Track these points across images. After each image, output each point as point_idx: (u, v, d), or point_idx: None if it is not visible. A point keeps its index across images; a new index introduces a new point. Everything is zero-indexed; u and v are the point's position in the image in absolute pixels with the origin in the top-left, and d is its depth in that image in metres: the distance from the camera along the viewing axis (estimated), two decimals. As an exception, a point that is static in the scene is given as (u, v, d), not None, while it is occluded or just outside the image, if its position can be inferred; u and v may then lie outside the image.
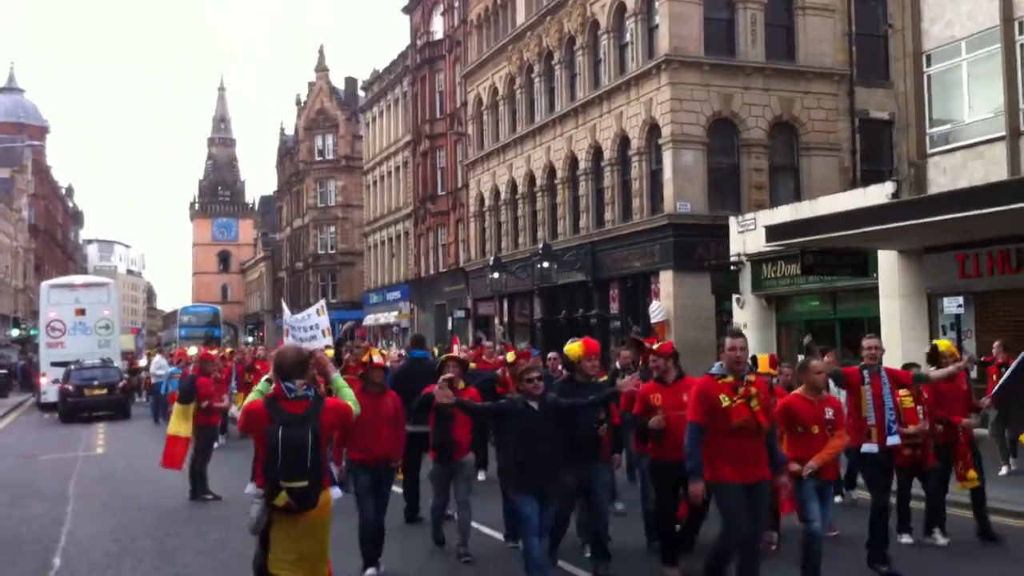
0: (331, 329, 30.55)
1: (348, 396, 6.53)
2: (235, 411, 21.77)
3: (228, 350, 26.66)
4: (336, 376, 6.67)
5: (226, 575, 9.81)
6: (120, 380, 32.54)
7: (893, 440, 9.23)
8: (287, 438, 5.95)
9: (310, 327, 29.91)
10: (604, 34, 31.40)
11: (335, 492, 6.64)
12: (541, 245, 32.09)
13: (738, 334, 7.80)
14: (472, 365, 12.91)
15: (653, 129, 28.68)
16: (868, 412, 9.22)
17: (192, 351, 25.25)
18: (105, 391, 31.29)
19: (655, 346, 9.76)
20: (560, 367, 12.00)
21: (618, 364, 13.88)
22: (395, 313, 53.00)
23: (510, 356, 11.92)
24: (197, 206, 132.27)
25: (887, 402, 9.26)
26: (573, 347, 9.47)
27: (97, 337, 36.98)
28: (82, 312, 37.35)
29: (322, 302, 33.80)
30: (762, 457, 7.54)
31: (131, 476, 17.34)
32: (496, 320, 39.32)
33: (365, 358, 9.76)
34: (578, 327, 30.99)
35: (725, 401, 7.39)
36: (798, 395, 8.40)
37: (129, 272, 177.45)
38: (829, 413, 8.33)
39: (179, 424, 14.53)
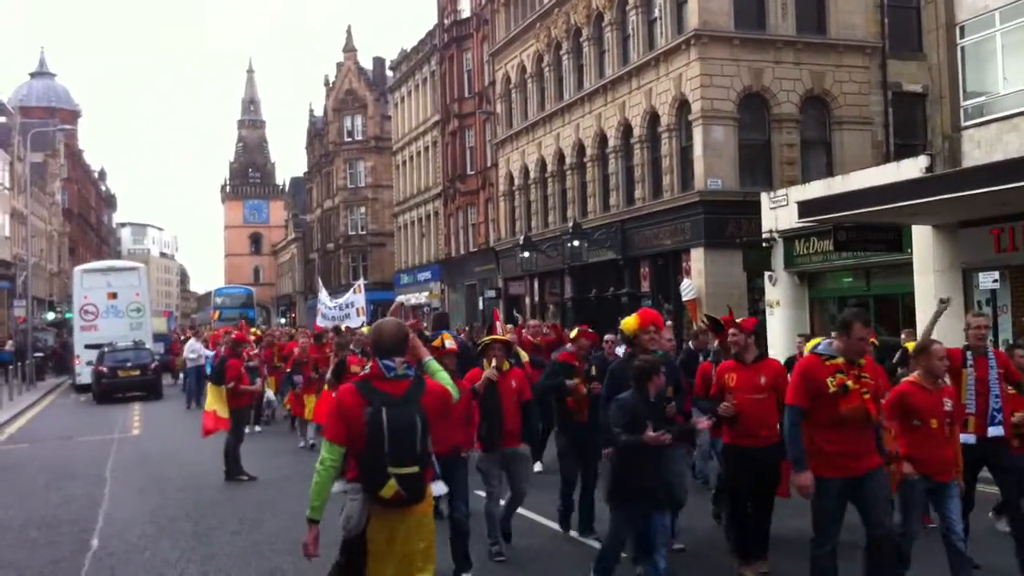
0: (365, 308, 30.65)
1: (445, 380, 5.85)
2: (270, 395, 21.71)
3: (256, 332, 26.09)
4: (430, 359, 5.98)
5: (261, 555, 9.86)
6: (152, 361, 33.63)
7: (996, 431, 8.30)
8: (393, 419, 5.30)
9: (345, 305, 30.08)
10: (632, 9, 31.17)
11: (437, 488, 6.17)
12: (571, 224, 32.00)
13: (979, 314, 6.92)
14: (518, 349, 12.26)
15: (683, 105, 28.48)
16: (968, 399, 8.33)
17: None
18: (138, 372, 32.59)
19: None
20: (615, 350, 11.26)
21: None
22: (426, 293, 53.11)
23: (573, 333, 11.18)
24: (228, 188, 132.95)
25: (993, 388, 8.36)
26: (629, 320, 8.77)
27: (129, 320, 37.93)
28: (114, 296, 38.31)
29: (360, 281, 33.96)
30: (870, 448, 6.75)
31: (167, 458, 17.50)
32: (527, 299, 39.30)
33: (437, 343, 8.82)
34: (608, 306, 30.95)
35: (832, 386, 6.59)
36: (913, 383, 7.39)
37: (162, 255, 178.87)
38: (948, 404, 7.43)
39: (215, 403, 14.69)
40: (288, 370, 19.54)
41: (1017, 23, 18.29)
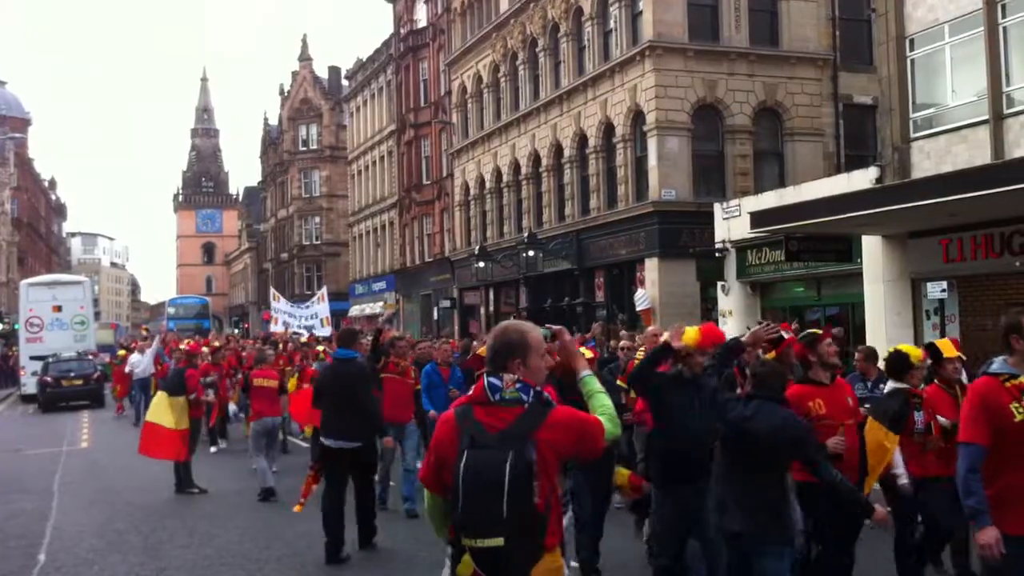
0: (329, 318, 30.35)
1: (604, 407, 4.29)
2: (233, 408, 19.88)
3: (217, 342, 24.79)
4: (588, 375, 4.45)
5: (212, 569, 9.75)
6: (95, 371, 34.77)
7: None
8: (472, 466, 3.93)
9: (310, 316, 29.83)
10: (588, 20, 31.32)
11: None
12: (527, 234, 32.05)
13: None
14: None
15: (638, 116, 28.64)
16: None
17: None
18: (81, 382, 33.90)
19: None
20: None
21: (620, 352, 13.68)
22: (381, 303, 52.92)
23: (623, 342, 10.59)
24: (181, 198, 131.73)
25: None
26: (690, 333, 7.29)
27: (73, 332, 39.30)
28: (59, 309, 39.75)
29: (323, 290, 33.77)
30: None
31: (117, 471, 17.26)
32: (482, 309, 39.27)
33: (483, 351, 7.22)
34: (564, 316, 31.01)
35: (1019, 413, 5.20)
36: None
37: (113, 265, 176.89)
38: None
39: (162, 413, 14.21)
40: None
41: (966, 36, 18.58)
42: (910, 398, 7.90)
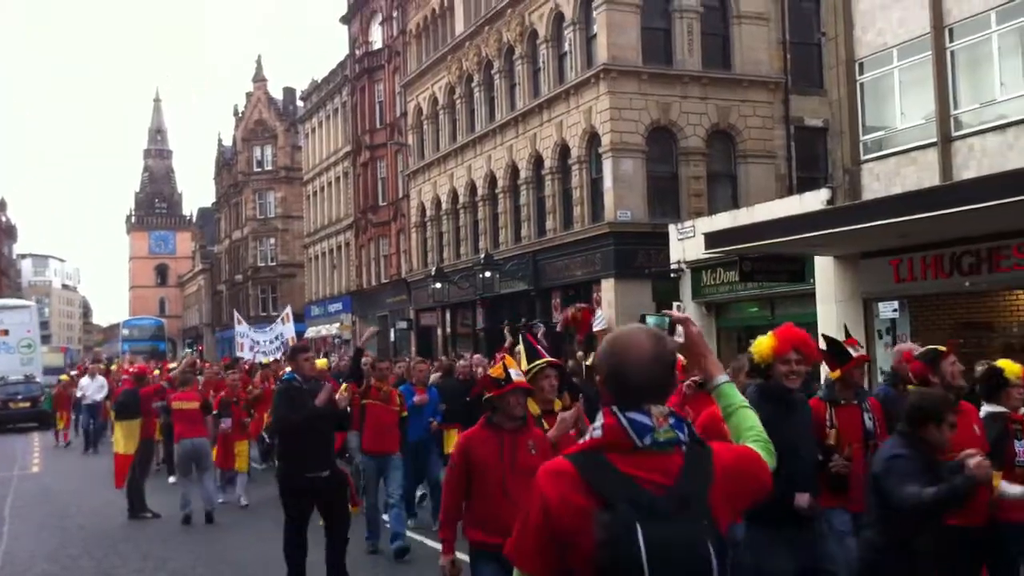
0: (295, 339, 29.94)
1: (754, 432, 3.27)
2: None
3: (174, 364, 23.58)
4: (726, 382, 3.37)
5: (167, 593, 9.65)
6: (41, 394, 35.29)
7: None
8: (658, 550, 2.67)
9: (274, 338, 29.37)
10: (543, 43, 31.52)
11: None
12: (483, 255, 32.08)
13: None
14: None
15: (593, 138, 28.82)
16: None
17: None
18: (28, 404, 34.68)
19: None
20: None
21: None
22: (337, 325, 52.68)
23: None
24: (134, 219, 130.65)
25: None
26: (763, 343, 6.17)
27: (20, 355, 40.21)
28: (5, 332, 40.74)
29: (287, 310, 33.36)
30: None
31: (69, 495, 17.04)
32: (439, 330, 39.22)
33: (497, 372, 6.00)
34: (520, 337, 31.00)
35: None
36: None
37: (64, 287, 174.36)
38: None
39: (128, 443, 14.07)
40: (215, 412, 15.52)
41: (914, 60, 18.91)
42: (1009, 424, 6.52)
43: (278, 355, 25.92)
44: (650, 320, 3.33)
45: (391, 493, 11.26)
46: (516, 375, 5.89)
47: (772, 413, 5.08)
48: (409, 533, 11.57)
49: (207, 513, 13.34)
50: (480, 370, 15.00)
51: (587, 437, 2.88)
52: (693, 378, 6.72)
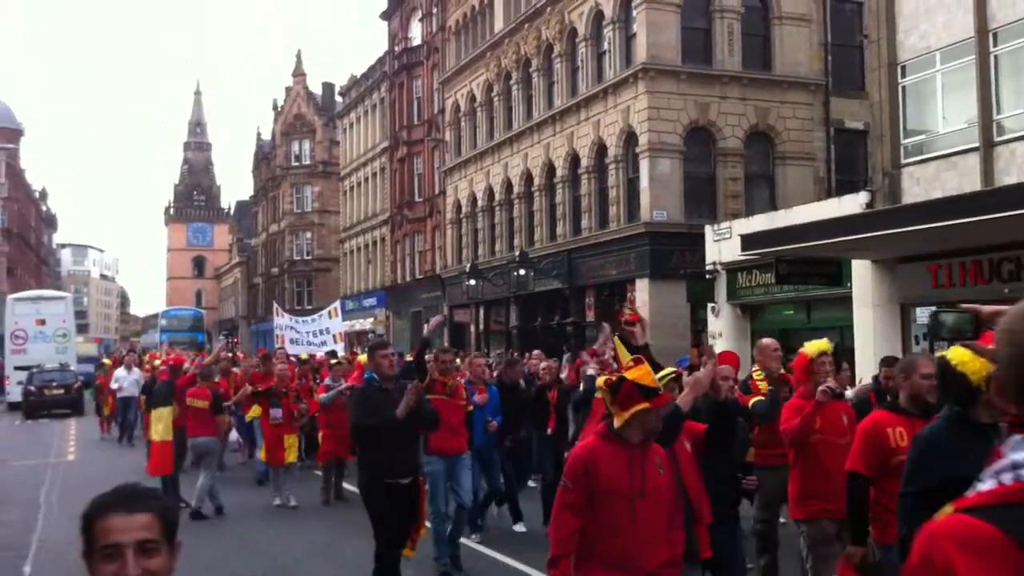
0: (343, 334, 29.52)
1: None
2: (235, 436, 18.87)
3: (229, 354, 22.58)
4: None
5: (199, 583, 9.72)
6: (75, 381, 37.01)
7: None
8: None
9: (320, 331, 29.01)
10: (582, 42, 31.47)
11: None
12: (518, 252, 32.07)
13: None
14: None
15: (630, 137, 28.75)
16: None
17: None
18: (62, 391, 36.14)
19: None
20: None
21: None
22: (371, 320, 52.87)
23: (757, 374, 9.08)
24: (172, 211, 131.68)
25: None
26: (979, 362, 4.28)
27: (56, 344, 41.82)
28: (42, 322, 42.45)
29: (336, 304, 33.13)
30: None
31: (104, 482, 16.89)
32: (472, 327, 39.23)
33: (649, 378, 5.00)
34: (554, 335, 31.04)
35: None
36: None
37: (103, 277, 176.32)
38: None
39: (162, 430, 14.09)
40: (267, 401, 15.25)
41: (957, 64, 18.72)
42: None
43: (322, 350, 25.47)
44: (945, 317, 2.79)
45: (462, 497, 10.23)
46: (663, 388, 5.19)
47: (970, 450, 3.77)
48: (471, 544, 11.10)
49: (194, 510, 13.19)
50: (543, 367, 13.74)
51: (996, 481, 1.74)
52: (828, 384, 6.79)
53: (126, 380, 24.05)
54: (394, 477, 8.22)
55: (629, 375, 4.90)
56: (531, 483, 14.25)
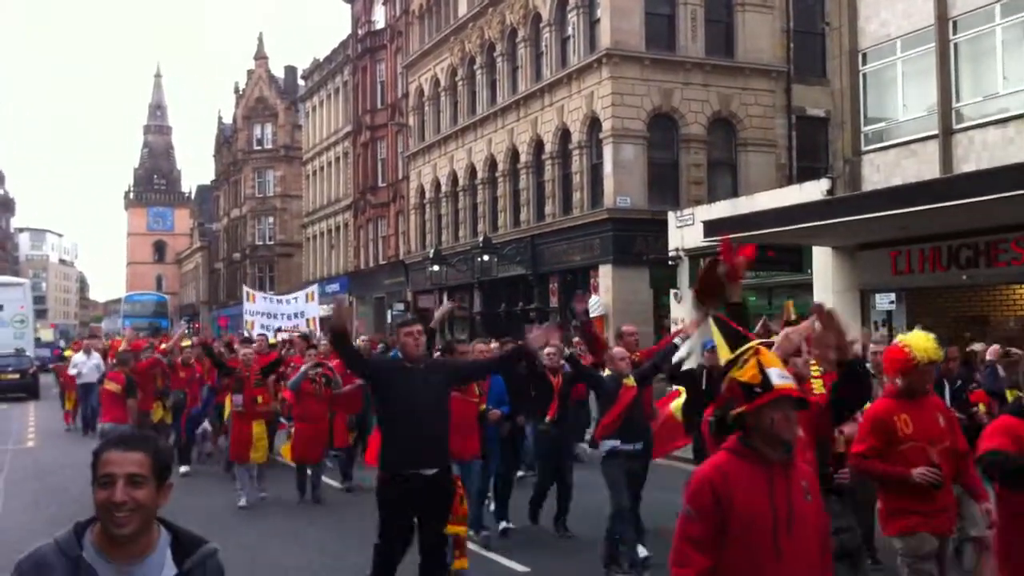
0: (316, 319, 28.93)
1: None
2: (206, 425, 17.26)
3: (187, 341, 20.30)
4: None
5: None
6: (31, 366, 37.72)
7: None
8: None
9: (296, 313, 28.50)
10: (546, 27, 31.44)
11: None
12: (481, 238, 32.08)
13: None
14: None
15: (594, 123, 28.78)
16: None
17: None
18: (18, 376, 36.59)
19: None
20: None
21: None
22: (334, 305, 52.62)
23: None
24: (132, 195, 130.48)
25: None
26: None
27: (13, 330, 42.19)
28: (0, 308, 42.87)
29: (314, 287, 32.68)
30: None
31: (64, 468, 17.02)
32: (472, 311, 39.08)
33: (750, 373, 3.93)
34: (517, 320, 31.07)
35: None
36: None
37: (61, 261, 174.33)
38: None
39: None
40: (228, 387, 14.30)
41: (917, 51, 18.90)
42: None
43: (291, 335, 24.69)
44: None
45: (468, 507, 9.30)
46: (780, 377, 3.86)
47: None
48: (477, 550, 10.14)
49: None
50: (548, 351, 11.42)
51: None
52: (926, 473, 5.91)
53: (85, 365, 22.96)
54: (414, 466, 7.10)
55: (735, 373, 3.93)
56: (520, 472, 13.62)
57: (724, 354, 4.12)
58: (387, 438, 7.34)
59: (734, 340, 4.13)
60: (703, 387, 9.52)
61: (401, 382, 7.25)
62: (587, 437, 14.06)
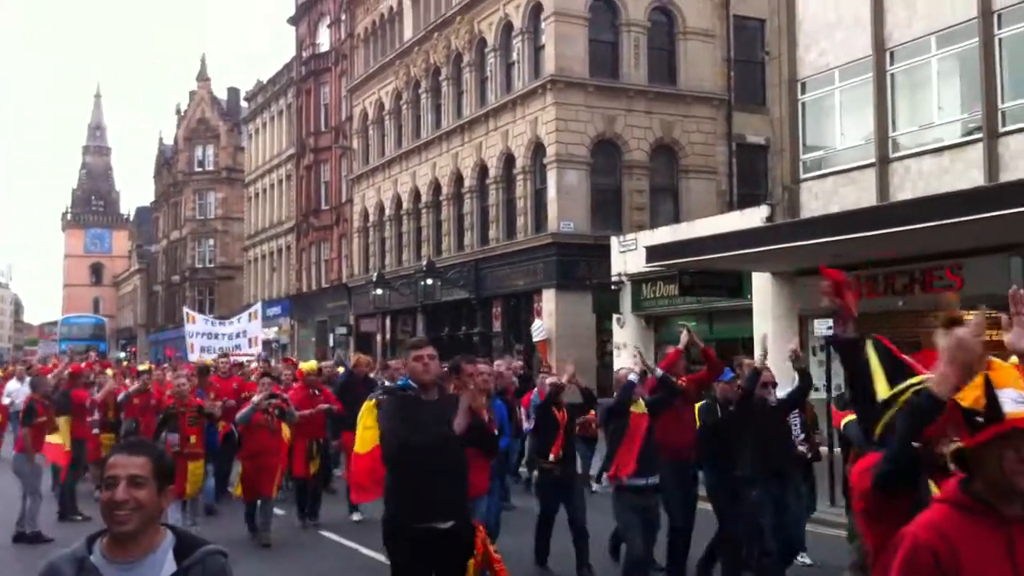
0: (259, 338, 28.38)
1: None
2: None
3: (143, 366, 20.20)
4: None
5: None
6: None
7: None
8: None
9: (238, 333, 27.96)
10: (491, 52, 31.59)
11: None
12: (425, 262, 32.04)
13: None
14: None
15: (538, 148, 28.93)
16: None
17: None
18: None
19: None
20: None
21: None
22: (275, 329, 52.20)
23: None
24: (69, 216, 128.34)
25: None
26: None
27: None
28: None
29: (257, 306, 31.90)
30: None
31: (-5, 495, 16.65)
32: (379, 336, 39.02)
33: (973, 396, 2.97)
34: (461, 345, 31.04)
35: None
36: None
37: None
38: None
39: (60, 439, 13.51)
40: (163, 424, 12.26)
41: (855, 81, 19.26)
42: None
43: (237, 352, 24.29)
44: None
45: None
46: (1016, 402, 2.88)
47: None
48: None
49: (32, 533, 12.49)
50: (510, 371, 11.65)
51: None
52: None
53: (19, 394, 22.12)
54: (428, 520, 5.91)
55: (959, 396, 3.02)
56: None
57: (882, 389, 3.47)
58: (394, 484, 6.25)
59: (895, 371, 3.37)
60: (717, 420, 8.96)
61: (411, 417, 6.05)
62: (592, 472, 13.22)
